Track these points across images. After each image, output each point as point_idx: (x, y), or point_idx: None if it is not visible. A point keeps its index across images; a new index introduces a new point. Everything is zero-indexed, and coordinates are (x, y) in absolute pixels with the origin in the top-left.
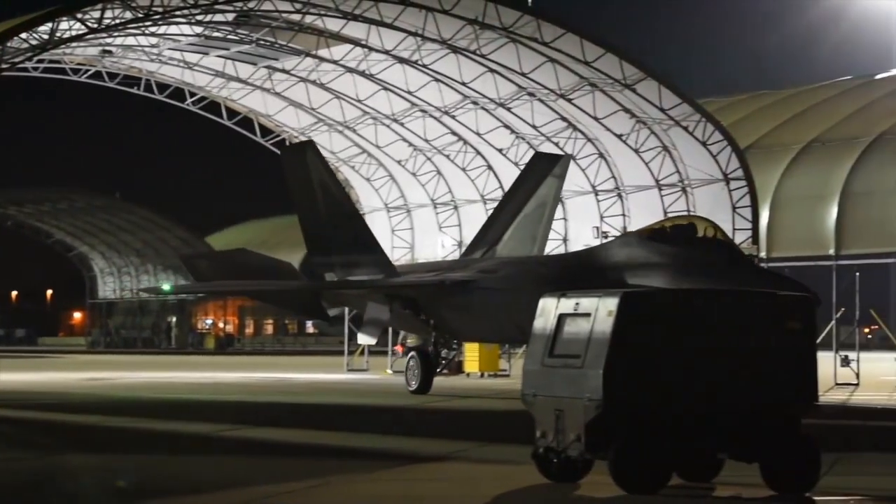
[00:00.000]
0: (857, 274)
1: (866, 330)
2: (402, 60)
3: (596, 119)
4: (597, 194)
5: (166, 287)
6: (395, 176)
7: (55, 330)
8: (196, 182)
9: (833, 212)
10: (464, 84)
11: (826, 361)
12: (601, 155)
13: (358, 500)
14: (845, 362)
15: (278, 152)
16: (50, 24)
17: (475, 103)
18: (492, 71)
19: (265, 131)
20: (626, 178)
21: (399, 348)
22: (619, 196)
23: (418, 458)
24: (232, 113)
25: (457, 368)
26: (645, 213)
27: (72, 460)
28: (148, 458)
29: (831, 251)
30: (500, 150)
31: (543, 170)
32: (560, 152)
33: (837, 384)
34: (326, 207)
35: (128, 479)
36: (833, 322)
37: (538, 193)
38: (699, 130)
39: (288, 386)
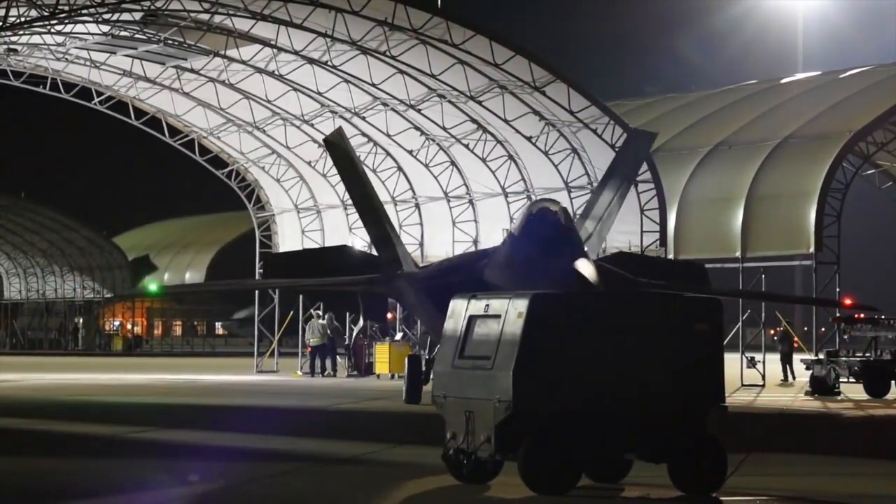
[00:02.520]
0: (763, 276)
1: (772, 331)
2: (311, 61)
3: (506, 121)
4: (507, 196)
5: (153, 288)
6: (304, 177)
7: None
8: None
9: (739, 214)
10: (374, 85)
11: (732, 363)
12: (511, 157)
13: (264, 502)
14: (751, 363)
15: (187, 152)
16: None
17: (385, 104)
18: (402, 72)
19: (173, 131)
20: (536, 181)
21: (307, 349)
22: (529, 198)
23: (328, 459)
24: (140, 113)
25: (367, 370)
26: None
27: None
28: (46, 460)
29: (737, 253)
30: (410, 152)
31: (640, 148)
32: (471, 154)
33: (744, 385)
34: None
35: (30, 482)
36: (739, 324)
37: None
38: (608, 133)
39: (196, 388)
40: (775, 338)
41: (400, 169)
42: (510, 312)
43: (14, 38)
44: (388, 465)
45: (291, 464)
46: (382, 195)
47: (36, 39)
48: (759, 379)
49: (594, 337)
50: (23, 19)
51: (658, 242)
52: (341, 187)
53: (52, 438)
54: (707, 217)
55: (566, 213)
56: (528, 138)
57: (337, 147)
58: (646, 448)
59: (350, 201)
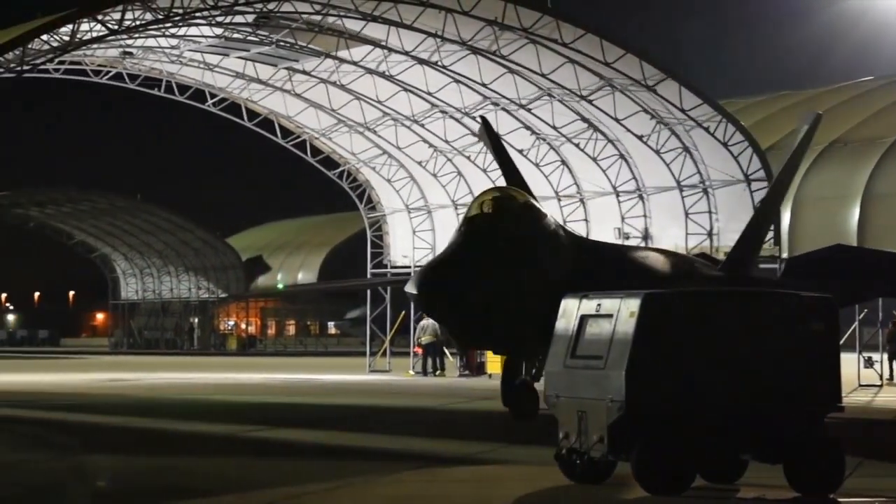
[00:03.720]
0: None
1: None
2: (421, 61)
3: (617, 120)
4: (618, 195)
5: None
6: (415, 177)
7: (77, 331)
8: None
9: (855, 213)
10: (484, 85)
11: (849, 363)
12: (622, 156)
13: (379, 502)
14: (869, 363)
15: (299, 153)
16: (71, 26)
17: (495, 104)
18: (512, 72)
19: (286, 132)
20: (647, 180)
21: (418, 349)
22: (641, 197)
23: (441, 459)
24: (252, 114)
25: (479, 369)
26: (666, 214)
27: (92, 461)
28: (169, 459)
29: None
30: (520, 151)
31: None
32: (582, 153)
33: (861, 385)
34: None
35: (148, 481)
36: (856, 323)
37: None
38: (720, 131)
39: (310, 387)
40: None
41: None
42: (622, 312)
43: (129, 42)
44: (500, 464)
45: (404, 462)
46: None
47: (151, 42)
48: (877, 379)
49: (708, 336)
50: (138, 22)
51: (772, 241)
52: (452, 187)
53: (170, 437)
54: (822, 215)
55: (512, 211)
56: (640, 137)
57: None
58: (761, 448)
59: (460, 201)
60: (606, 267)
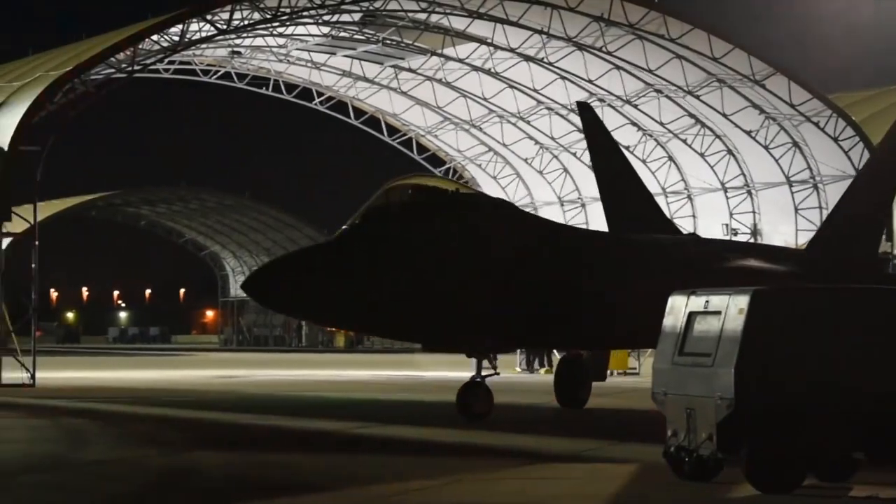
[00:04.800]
0: None
1: None
2: (527, 58)
3: (724, 115)
4: (726, 191)
5: None
6: (521, 174)
7: (188, 328)
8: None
9: None
10: (590, 81)
11: None
12: (730, 151)
13: (488, 498)
14: None
15: (405, 150)
16: (180, 26)
17: (601, 100)
18: (618, 68)
19: (392, 130)
20: (756, 175)
21: None
22: (749, 193)
23: (547, 456)
24: (359, 112)
25: None
26: (775, 209)
27: (201, 457)
28: (277, 455)
29: None
30: (627, 148)
31: None
32: (689, 149)
33: None
34: None
35: (254, 477)
36: None
37: None
38: (830, 126)
39: (416, 384)
40: None
41: None
42: (731, 309)
43: (238, 41)
44: (608, 462)
45: (511, 459)
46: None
47: (259, 42)
48: None
49: (818, 333)
50: (246, 22)
51: (885, 236)
52: (558, 184)
53: (278, 433)
54: None
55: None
56: (748, 132)
57: (590, 112)
58: (873, 446)
59: (566, 198)
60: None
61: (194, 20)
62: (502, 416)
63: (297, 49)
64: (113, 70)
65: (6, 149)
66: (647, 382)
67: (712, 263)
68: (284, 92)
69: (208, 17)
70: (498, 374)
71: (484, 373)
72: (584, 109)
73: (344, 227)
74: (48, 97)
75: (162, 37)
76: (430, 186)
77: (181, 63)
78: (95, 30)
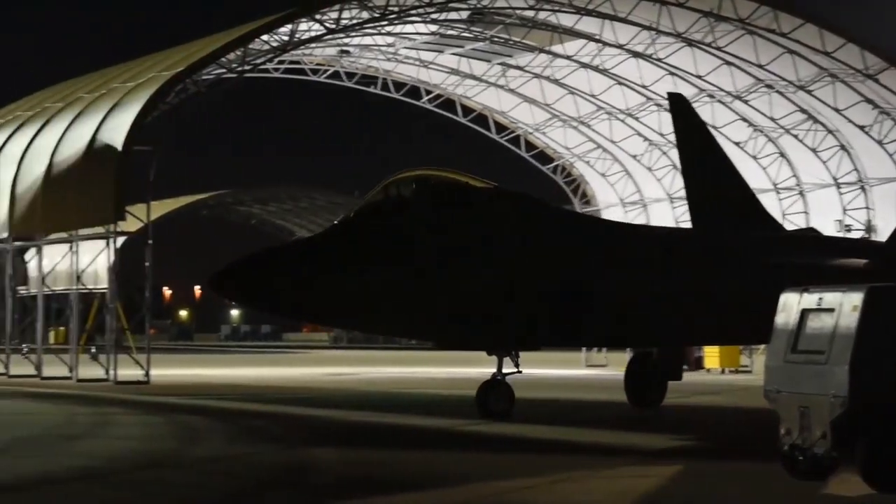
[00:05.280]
0: None
1: None
2: (636, 54)
3: (836, 110)
4: (839, 187)
5: None
6: (630, 171)
7: (299, 326)
8: None
9: None
10: (699, 77)
11: None
12: (843, 147)
13: (600, 497)
14: None
15: (514, 148)
16: (289, 26)
17: (711, 96)
18: (728, 63)
19: (500, 128)
20: (870, 171)
21: None
22: (862, 189)
23: (654, 453)
24: (467, 110)
25: (696, 364)
26: (889, 205)
27: (313, 454)
28: (388, 452)
29: None
30: (737, 144)
31: None
32: (801, 145)
33: None
34: None
35: (363, 473)
36: None
37: None
38: None
39: (526, 381)
40: None
41: None
42: (845, 305)
43: (346, 40)
44: (717, 460)
45: (618, 458)
46: None
47: (367, 41)
48: None
49: None
50: (354, 21)
51: None
52: (667, 180)
53: (387, 430)
54: None
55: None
56: (861, 127)
57: (681, 103)
58: None
59: (675, 195)
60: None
61: (303, 20)
62: (612, 413)
63: (405, 47)
64: (224, 70)
65: (120, 148)
66: (759, 380)
67: (769, 257)
68: (393, 90)
69: (317, 16)
70: (520, 371)
71: (506, 370)
72: (676, 101)
73: (336, 221)
74: (161, 97)
75: (272, 37)
76: (445, 178)
77: (291, 62)
78: (206, 30)
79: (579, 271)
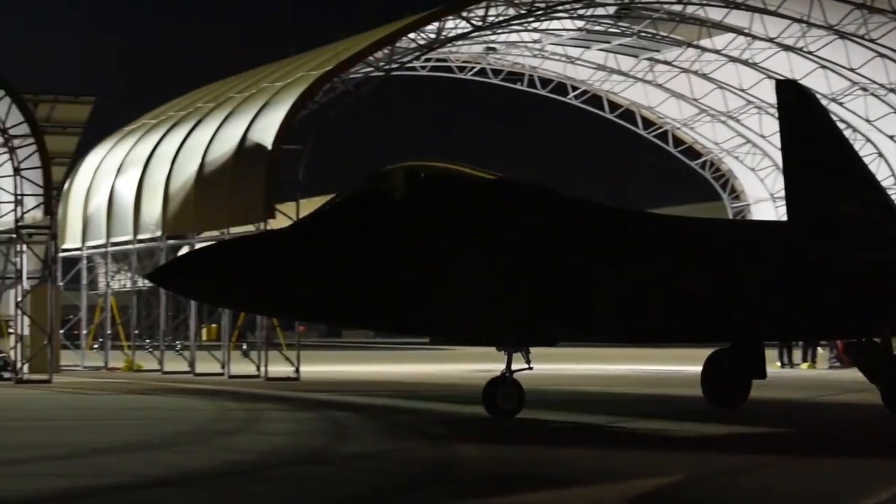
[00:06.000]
0: None
1: None
2: (786, 48)
3: None
4: None
5: None
6: (780, 166)
7: None
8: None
9: None
10: (852, 70)
11: None
12: None
13: (742, 496)
14: None
15: (661, 144)
16: (436, 24)
17: (864, 90)
18: (881, 56)
19: (647, 123)
20: None
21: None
22: None
23: (809, 453)
24: (614, 106)
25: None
26: None
27: (462, 451)
28: (537, 449)
29: None
30: (891, 137)
31: None
32: None
33: None
34: None
35: (512, 470)
36: None
37: None
38: None
39: (675, 379)
40: None
41: (881, 155)
42: None
43: (493, 37)
44: (874, 458)
45: (770, 457)
46: None
47: (513, 37)
48: None
49: None
50: (501, 18)
51: None
52: None
53: (538, 427)
54: None
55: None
56: None
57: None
58: None
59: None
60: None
61: (450, 17)
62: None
63: (552, 44)
64: (371, 68)
65: (269, 147)
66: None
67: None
68: (539, 86)
69: (464, 14)
70: (531, 368)
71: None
72: (787, 89)
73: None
74: (309, 96)
75: (419, 35)
76: (439, 168)
77: (437, 60)
78: (353, 30)
79: (588, 262)
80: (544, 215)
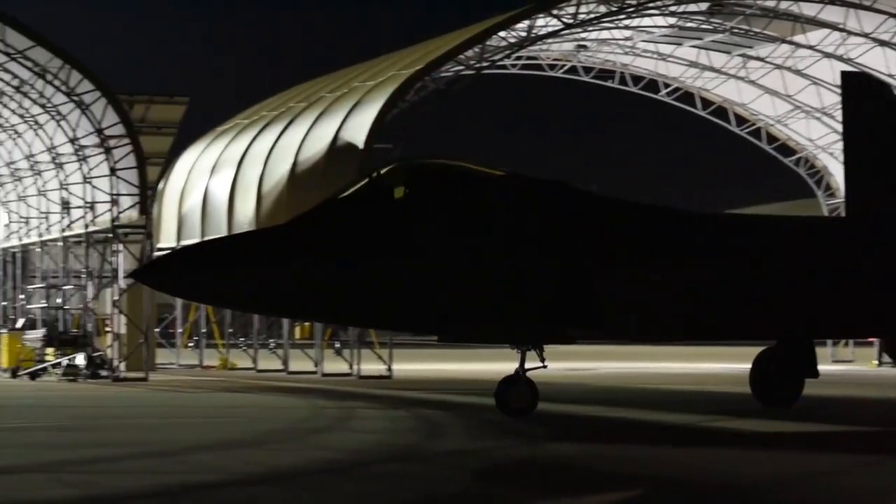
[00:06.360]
0: None
1: None
2: (882, 43)
3: None
4: None
5: None
6: None
7: None
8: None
9: None
10: None
11: None
12: None
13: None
14: None
15: (755, 141)
16: (527, 22)
17: None
18: None
19: (740, 120)
20: None
21: None
22: None
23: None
24: (706, 103)
25: None
26: None
27: (555, 449)
28: (629, 447)
29: None
30: None
31: None
32: None
33: None
34: None
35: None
36: None
37: None
38: None
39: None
40: None
41: None
42: None
43: (584, 35)
44: None
45: (874, 456)
46: None
47: (604, 35)
48: None
49: None
50: (592, 16)
51: None
52: None
53: (630, 426)
54: None
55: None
56: None
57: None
58: None
59: None
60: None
61: (541, 15)
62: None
63: (643, 41)
64: (461, 67)
65: (361, 146)
66: None
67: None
68: (630, 84)
69: (554, 11)
70: (546, 366)
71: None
72: (851, 80)
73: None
74: (400, 95)
75: (509, 33)
76: (446, 164)
77: (528, 58)
78: (443, 28)
79: (597, 259)
80: (558, 211)
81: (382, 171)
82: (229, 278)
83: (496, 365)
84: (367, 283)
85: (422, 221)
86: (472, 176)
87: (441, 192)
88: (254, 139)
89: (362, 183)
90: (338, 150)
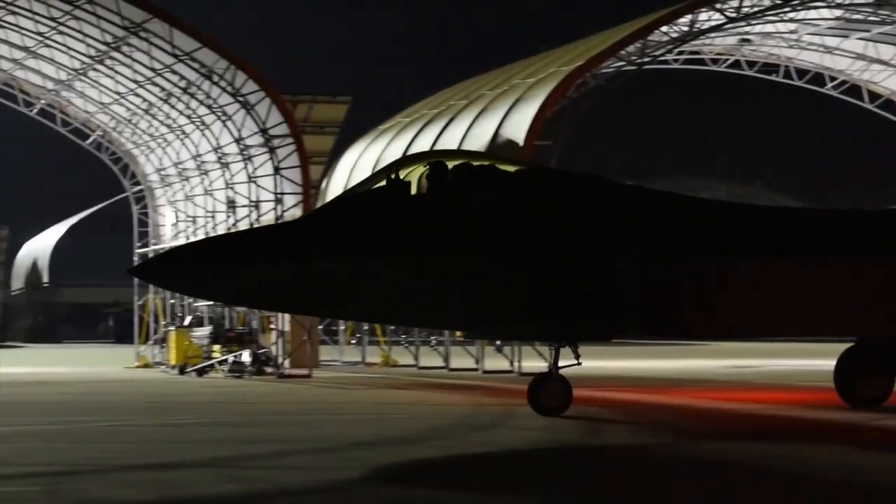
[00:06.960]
0: None
1: None
2: None
3: None
4: None
5: None
6: None
7: None
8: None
9: None
10: None
11: None
12: None
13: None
14: None
15: None
16: (689, 16)
17: None
18: None
19: None
20: None
21: None
22: None
23: None
24: (873, 96)
25: None
26: None
27: (707, 448)
28: (782, 445)
29: None
30: None
31: None
32: None
33: None
34: None
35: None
36: None
37: None
38: None
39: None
40: None
41: None
42: None
43: (747, 28)
44: None
45: None
46: None
47: (768, 28)
48: None
49: None
50: (755, 9)
51: None
52: None
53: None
54: None
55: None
56: None
57: None
58: None
59: None
60: None
61: (703, 9)
62: None
63: (808, 34)
64: (623, 63)
65: (521, 144)
66: None
67: None
68: (795, 78)
69: (717, 5)
70: (580, 363)
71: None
72: None
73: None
74: (561, 92)
75: (671, 28)
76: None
77: (690, 53)
78: (603, 24)
79: (638, 254)
80: (593, 205)
81: (403, 167)
82: (239, 275)
83: (656, 362)
84: (397, 279)
85: (452, 216)
86: (497, 171)
87: (469, 186)
88: (414, 137)
89: (384, 178)
90: (498, 148)
